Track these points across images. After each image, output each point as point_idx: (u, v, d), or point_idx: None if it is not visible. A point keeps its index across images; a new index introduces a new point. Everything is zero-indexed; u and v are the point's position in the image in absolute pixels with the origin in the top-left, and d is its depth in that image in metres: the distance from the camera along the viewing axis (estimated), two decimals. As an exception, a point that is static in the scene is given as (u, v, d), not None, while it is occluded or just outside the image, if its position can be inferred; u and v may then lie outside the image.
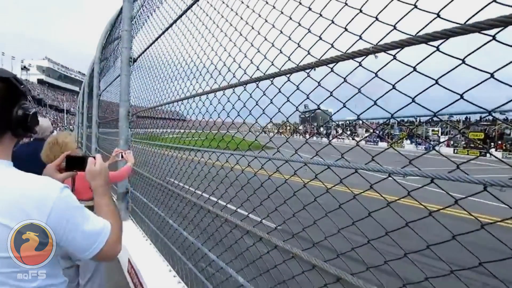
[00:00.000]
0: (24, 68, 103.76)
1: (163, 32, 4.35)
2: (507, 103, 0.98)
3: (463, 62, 1.07)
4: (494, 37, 0.99)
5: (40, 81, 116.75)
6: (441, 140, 47.46)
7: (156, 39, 4.66)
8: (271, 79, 2.02)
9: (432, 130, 52.81)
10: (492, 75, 1.00)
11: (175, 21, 3.86)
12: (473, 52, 1.04)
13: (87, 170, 1.52)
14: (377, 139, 55.22)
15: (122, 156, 3.75)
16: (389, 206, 1.34)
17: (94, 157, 1.57)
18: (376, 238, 1.39)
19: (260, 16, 2.18)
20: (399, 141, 51.37)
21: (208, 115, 3.03)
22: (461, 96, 1.09)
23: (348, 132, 72.05)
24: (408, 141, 53.45)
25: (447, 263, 1.18)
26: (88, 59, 11.44)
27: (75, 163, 1.59)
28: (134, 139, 5.83)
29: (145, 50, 5.26)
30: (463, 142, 46.39)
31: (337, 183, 1.59)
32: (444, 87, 1.13)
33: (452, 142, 47.32)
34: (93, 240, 1.23)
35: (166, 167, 4.15)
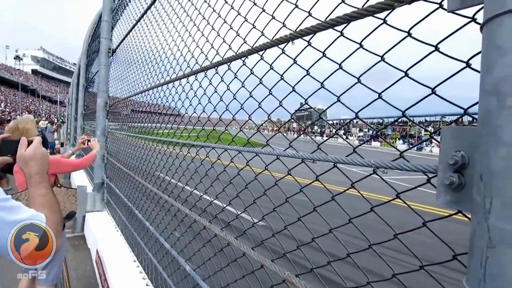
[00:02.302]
0: (17, 57, 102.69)
1: (137, 22, 4.32)
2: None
3: (361, 46, 1.07)
4: (385, 21, 0.99)
5: (34, 72, 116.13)
6: (434, 140, 47.52)
7: (132, 28, 4.63)
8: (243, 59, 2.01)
9: (425, 130, 53.03)
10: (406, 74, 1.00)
11: (148, 9, 3.83)
12: (367, 36, 1.04)
13: (17, 155, 1.33)
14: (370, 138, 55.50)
15: (87, 144, 3.76)
16: (333, 199, 1.29)
17: (31, 141, 1.38)
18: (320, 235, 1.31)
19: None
20: (392, 141, 51.59)
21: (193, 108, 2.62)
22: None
23: (342, 131, 72.33)
24: (401, 141, 53.69)
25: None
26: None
27: (11, 148, 1.39)
28: (113, 131, 5.81)
29: (123, 40, 5.24)
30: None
31: (285, 174, 1.48)
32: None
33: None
34: None
35: (142, 159, 4.12)
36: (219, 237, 2.00)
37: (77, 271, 4.52)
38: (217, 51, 2.06)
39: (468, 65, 0.80)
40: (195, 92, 2.43)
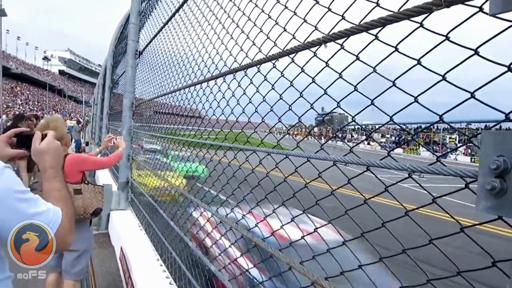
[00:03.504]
0: (45, 58, 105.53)
1: (165, 24, 4.39)
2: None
3: (396, 49, 1.07)
4: (421, 24, 0.99)
5: (61, 72, 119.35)
6: (459, 148, 46.56)
7: (159, 31, 4.71)
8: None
9: (449, 138, 51.88)
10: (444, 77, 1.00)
11: (176, 11, 3.88)
12: (403, 39, 1.04)
13: (32, 148, 1.33)
14: (393, 145, 54.55)
15: (113, 142, 3.85)
16: (366, 203, 1.27)
17: (45, 134, 1.37)
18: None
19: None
20: (415, 148, 50.67)
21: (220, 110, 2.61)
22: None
23: (364, 137, 71.41)
24: (424, 148, 52.53)
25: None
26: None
27: (26, 141, 1.39)
28: (138, 131, 5.92)
29: (149, 42, 5.33)
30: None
31: (316, 177, 1.52)
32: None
33: (469, 151, 46.24)
34: None
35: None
36: (246, 238, 2.02)
37: (101, 268, 4.62)
38: (246, 53, 2.07)
39: (510, 69, 0.79)
40: (223, 94, 2.46)
